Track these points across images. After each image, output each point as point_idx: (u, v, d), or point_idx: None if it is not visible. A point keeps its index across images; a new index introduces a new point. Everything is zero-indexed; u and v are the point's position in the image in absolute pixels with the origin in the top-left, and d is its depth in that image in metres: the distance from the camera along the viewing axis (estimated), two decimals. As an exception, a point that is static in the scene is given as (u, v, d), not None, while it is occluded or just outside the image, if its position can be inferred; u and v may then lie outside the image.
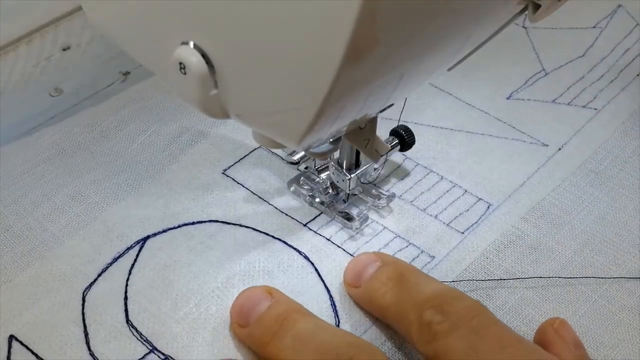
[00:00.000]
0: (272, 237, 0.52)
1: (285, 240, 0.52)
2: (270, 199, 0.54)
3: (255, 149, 0.57)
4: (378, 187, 0.55)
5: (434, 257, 0.52)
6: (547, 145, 0.59)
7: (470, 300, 0.43)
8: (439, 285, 0.45)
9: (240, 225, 0.52)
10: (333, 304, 0.48)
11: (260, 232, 0.52)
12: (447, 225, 0.54)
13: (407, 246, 0.52)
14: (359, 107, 0.42)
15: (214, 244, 0.51)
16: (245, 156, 0.57)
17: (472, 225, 0.54)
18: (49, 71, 0.61)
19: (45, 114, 0.60)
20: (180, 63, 0.40)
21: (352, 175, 0.52)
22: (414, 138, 0.55)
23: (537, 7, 0.42)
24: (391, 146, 0.54)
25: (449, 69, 0.46)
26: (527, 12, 0.43)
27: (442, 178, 0.56)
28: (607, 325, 0.49)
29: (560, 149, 0.59)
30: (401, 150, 0.55)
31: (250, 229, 0.52)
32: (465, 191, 0.56)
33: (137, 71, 0.63)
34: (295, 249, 0.51)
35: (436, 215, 0.54)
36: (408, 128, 0.55)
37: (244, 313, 0.45)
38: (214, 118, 0.43)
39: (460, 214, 0.54)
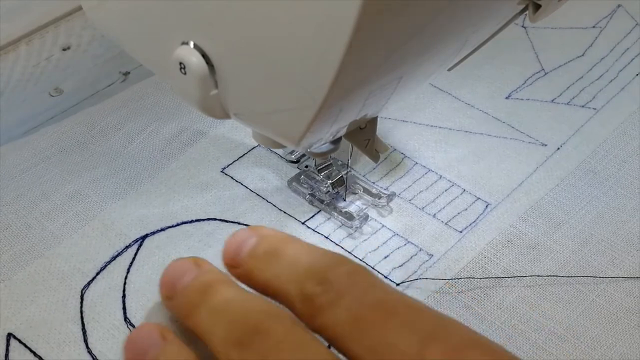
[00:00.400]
0: None
1: None
2: (268, 197, 0.54)
3: (253, 148, 0.58)
4: (378, 186, 0.55)
5: (432, 255, 0.52)
6: (546, 145, 0.59)
7: (350, 264, 0.40)
8: (317, 252, 0.41)
9: (239, 223, 0.53)
10: None
11: None
12: (446, 224, 0.54)
13: (405, 244, 0.52)
14: (359, 108, 0.42)
15: (213, 242, 0.51)
16: (244, 155, 0.57)
17: (470, 225, 0.54)
18: (49, 71, 0.61)
19: (45, 114, 0.61)
20: (181, 63, 0.41)
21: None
22: None
23: (537, 7, 0.42)
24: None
25: (450, 69, 0.46)
26: (527, 12, 0.43)
27: (440, 177, 0.57)
28: (604, 325, 0.49)
29: (559, 149, 0.59)
30: None
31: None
32: (464, 190, 0.56)
33: (137, 71, 0.63)
34: None
35: (434, 214, 0.54)
36: None
37: (170, 284, 0.43)
38: (214, 118, 0.43)
39: (459, 213, 0.54)
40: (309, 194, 0.54)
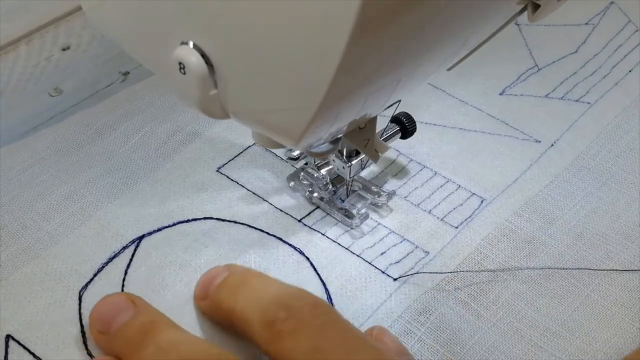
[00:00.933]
0: (267, 233, 0.52)
1: (280, 237, 0.52)
2: (265, 195, 0.55)
3: (248, 147, 0.58)
4: (378, 184, 0.55)
5: (428, 252, 0.52)
6: (540, 142, 0.60)
7: (313, 297, 0.42)
8: (283, 285, 0.44)
9: (235, 222, 0.53)
10: (329, 298, 0.49)
11: (255, 228, 0.52)
12: (441, 220, 0.54)
13: (401, 242, 0.53)
14: (358, 108, 0.42)
15: (209, 241, 0.51)
16: (239, 154, 0.57)
17: (465, 220, 0.54)
18: (48, 71, 0.60)
19: (45, 114, 0.60)
20: (180, 63, 0.40)
21: (353, 162, 0.52)
22: (415, 125, 0.55)
23: (536, 7, 0.42)
24: (392, 132, 0.54)
25: (449, 69, 0.46)
26: (526, 11, 0.43)
27: (435, 174, 0.57)
28: (599, 320, 0.49)
29: (552, 145, 0.59)
30: (402, 137, 0.55)
31: (245, 226, 0.52)
32: (459, 186, 0.56)
33: (137, 71, 0.63)
34: (290, 244, 0.51)
35: (430, 210, 0.55)
36: (410, 115, 0.55)
37: (105, 320, 0.44)
38: (213, 118, 0.43)
39: (454, 208, 0.55)
40: (308, 191, 0.54)
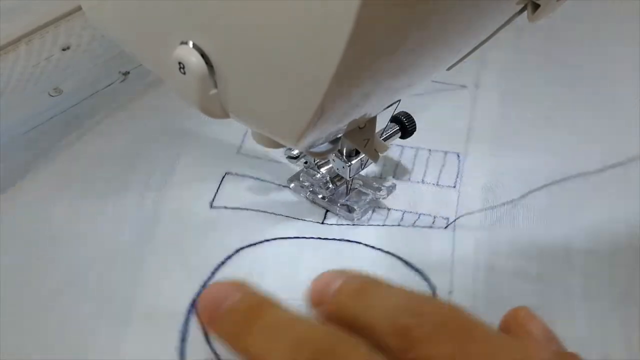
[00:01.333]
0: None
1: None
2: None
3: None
4: (378, 179, 0.55)
5: (447, 218, 0.53)
6: (466, 86, 0.63)
7: (443, 301, 0.42)
8: (411, 292, 0.42)
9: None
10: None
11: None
12: (437, 185, 0.55)
13: (419, 217, 0.53)
14: (358, 108, 0.42)
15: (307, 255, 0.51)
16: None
17: (457, 178, 0.55)
18: (49, 71, 0.61)
19: (45, 114, 0.61)
20: (180, 63, 0.41)
21: (353, 162, 0.52)
22: (415, 125, 0.55)
23: (536, 6, 0.42)
24: (392, 132, 0.54)
25: (448, 69, 0.46)
26: (526, 11, 0.43)
27: (403, 147, 0.58)
28: None
29: (477, 87, 0.65)
30: (402, 137, 0.55)
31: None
32: (430, 150, 0.58)
33: (137, 71, 0.63)
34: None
35: (422, 180, 0.56)
36: (409, 115, 0.55)
37: (212, 306, 0.43)
38: (213, 117, 0.43)
39: (440, 171, 0.56)
40: (309, 190, 0.54)
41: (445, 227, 0.52)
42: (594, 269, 0.49)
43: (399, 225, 0.53)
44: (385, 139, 0.54)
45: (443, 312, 0.39)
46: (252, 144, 0.56)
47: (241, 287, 0.43)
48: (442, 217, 0.53)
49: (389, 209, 0.54)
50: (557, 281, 0.49)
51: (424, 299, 0.41)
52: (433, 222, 0.53)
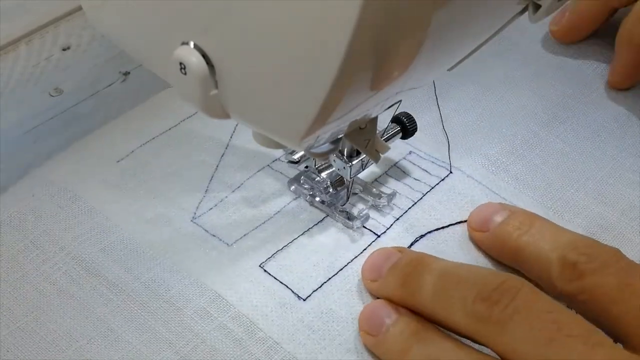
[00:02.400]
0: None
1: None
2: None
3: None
4: (379, 186, 0.55)
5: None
6: None
7: (611, 247, 0.44)
8: (576, 233, 0.47)
9: None
10: None
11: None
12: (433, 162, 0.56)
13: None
14: (359, 108, 0.42)
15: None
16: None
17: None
18: (49, 71, 0.61)
19: (45, 114, 0.60)
20: (181, 63, 0.40)
21: (354, 162, 0.51)
22: (416, 125, 0.55)
23: (537, 7, 0.42)
24: (393, 133, 0.54)
25: (449, 69, 0.46)
26: (527, 12, 0.43)
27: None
28: None
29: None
30: (403, 137, 0.55)
31: None
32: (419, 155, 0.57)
33: (137, 71, 0.63)
34: None
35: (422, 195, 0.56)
36: (410, 115, 0.55)
37: (375, 268, 0.47)
38: (214, 118, 0.43)
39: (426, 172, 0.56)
40: (309, 194, 0.54)
41: None
42: None
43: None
44: (386, 140, 0.53)
45: (609, 254, 0.43)
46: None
47: (401, 251, 0.48)
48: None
49: (404, 211, 0.54)
50: None
51: (590, 240, 0.45)
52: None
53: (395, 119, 0.54)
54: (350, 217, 0.52)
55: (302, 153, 0.54)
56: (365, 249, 0.51)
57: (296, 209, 0.53)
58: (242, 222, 0.53)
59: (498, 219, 0.48)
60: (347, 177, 0.52)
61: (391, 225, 0.52)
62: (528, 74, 0.63)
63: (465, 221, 0.52)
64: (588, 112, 0.61)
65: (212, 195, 0.54)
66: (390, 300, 0.46)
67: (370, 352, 0.45)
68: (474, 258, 0.50)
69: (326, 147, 0.48)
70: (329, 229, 0.52)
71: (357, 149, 0.51)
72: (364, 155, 0.51)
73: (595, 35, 0.66)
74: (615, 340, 0.41)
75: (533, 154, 0.58)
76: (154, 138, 0.57)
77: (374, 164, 0.54)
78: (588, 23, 0.64)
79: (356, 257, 0.50)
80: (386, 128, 0.54)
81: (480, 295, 0.41)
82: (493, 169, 0.56)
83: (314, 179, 0.54)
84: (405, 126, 0.54)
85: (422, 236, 0.52)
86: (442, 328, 0.44)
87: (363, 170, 0.53)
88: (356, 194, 0.54)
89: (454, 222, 0.52)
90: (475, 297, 0.41)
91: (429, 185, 0.55)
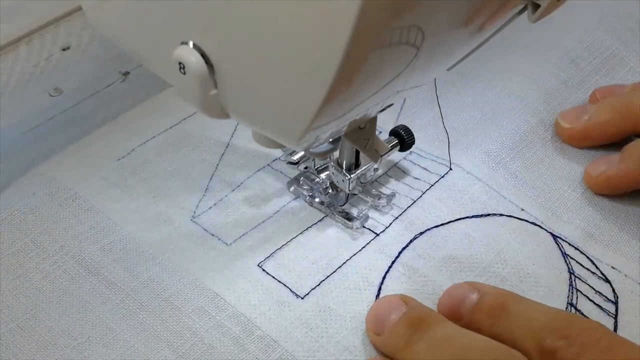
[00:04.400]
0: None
1: None
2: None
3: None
4: (378, 187, 0.55)
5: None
6: None
7: (588, 320, 0.43)
8: (550, 310, 0.44)
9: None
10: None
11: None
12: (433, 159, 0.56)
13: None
14: (359, 107, 0.42)
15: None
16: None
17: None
18: (49, 71, 0.60)
19: (45, 114, 0.60)
20: (180, 63, 0.40)
21: (352, 176, 0.52)
22: (413, 138, 0.55)
23: (536, 6, 0.42)
24: (391, 146, 0.54)
25: (449, 69, 0.46)
26: (526, 11, 0.43)
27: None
28: None
29: None
30: (401, 150, 0.55)
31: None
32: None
33: (137, 71, 0.63)
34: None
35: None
36: (408, 128, 0.55)
37: (378, 321, 0.45)
38: (213, 118, 0.43)
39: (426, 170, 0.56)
40: (308, 195, 0.54)
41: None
42: None
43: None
44: (384, 154, 0.53)
45: (588, 333, 0.41)
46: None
47: (406, 302, 0.46)
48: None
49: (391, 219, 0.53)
50: None
51: (566, 318, 0.43)
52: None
53: (393, 132, 0.55)
54: (349, 217, 0.52)
55: (301, 154, 0.54)
56: (364, 247, 0.51)
57: (295, 209, 0.54)
58: (241, 222, 0.53)
59: (468, 305, 0.46)
60: (346, 190, 0.53)
61: (390, 224, 0.53)
62: (528, 66, 0.63)
63: (466, 217, 0.52)
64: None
65: (212, 195, 0.54)
66: (391, 358, 0.45)
67: (370, 351, 0.45)
68: (472, 255, 0.50)
69: (325, 146, 0.48)
70: (327, 228, 0.52)
71: (356, 161, 0.51)
72: (364, 168, 0.52)
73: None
74: None
75: (531, 151, 0.58)
76: (154, 137, 0.57)
77: (372, 178, 0.55)
78: (605, 138, 0.57)
79: (354, 255, 0.50)
80: (384, 141, 0.54)
81: None
82: (493, 165, 0.56)
83: (314, 179, 0.54)
84: (403, 139, 0.55)
85: (421, 233, 0.52)
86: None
87: (363, 184, 0.53)
88: (355, 194, 0.54)
89: (452, 220, 0.52)
90: None
91: (429, 183, 0.55)
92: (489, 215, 0.53)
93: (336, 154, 0.51)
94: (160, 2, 0.41)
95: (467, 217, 0.53)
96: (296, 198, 0.54)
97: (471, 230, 0.52)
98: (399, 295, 0.47)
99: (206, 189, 0.55)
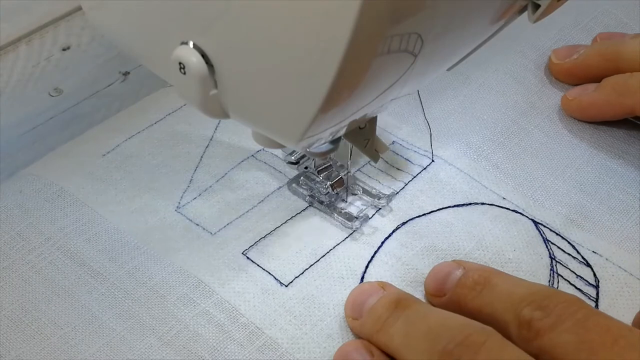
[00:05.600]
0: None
1: None
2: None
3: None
4: (370, 182, 0.55)
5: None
6: None
7: (567, 294, 0.43)
8: (531, 284, 0.45)
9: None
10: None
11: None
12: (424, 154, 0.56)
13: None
14: (359, 108, 0.42)
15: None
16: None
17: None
18: (49, 71, 0.61)
19: (45, 114, 0.61)
20: (180, 63, 0.40)
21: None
22: None
23: (536, 6, 0.42)
24: None
25: (449, 69, 0.46)
26: (526, 11, 0.43)
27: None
28: None
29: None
30: None
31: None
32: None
33: (137, 71, 0.63)
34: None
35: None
36: None
37: (356, 306, 0.46)
38: (213, 118, 0.43)
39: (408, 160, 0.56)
40: (308, 195, 0.54)
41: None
42: None
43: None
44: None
45: (566, 305, 0.41)
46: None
47: (383, 288, 0.47)
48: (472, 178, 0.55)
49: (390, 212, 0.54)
50: None
51: (546, 291, 0.43)
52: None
53: None
54: (349, 217, 0.52)
55: (301, 154, 0.54)
56: (347, 237, 0.52)
57: (279, 198, 0.54)
58: (225, 211, 0.53)
59: (452, 280, 0.47)
60: (347, 168, 0.53)
61: (373, 215, 0.53)
62: (506, 64, 0.64)
63: (448, 207, 0.53)
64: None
65: (196, 185, 0.55)
66: (369, 342, 0.45)
67: (352, 338, 0.46)
68: (454, 242, 0.51)
69: (325, 146, 0.48)
70: (311, 217, 0.53)
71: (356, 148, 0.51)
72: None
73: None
74: None
75: (513, 142, 0.58)
76: (138, 132, 0.58)
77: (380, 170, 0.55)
78: (587, 79, 0.60)
79: (338, 244, 0.51)
80: None
81: (444, 350, 0.41)
82: (475, 156, 0.57)
83: (313, 179, 0.54)
84: None
85: (403, 223, 0.52)
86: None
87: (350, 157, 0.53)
88: (355, 194, 0.54)
89: (434, 210, 0.53)
90: (440, 350, 0.41)
91: (411, 175, 0.56)
92: (470, 204, 0.54)
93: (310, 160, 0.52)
94: (160, 2, 0.41)
95: (449, 207, 0.54)
96: (280, 188, 0.55)
97: (453, 219, 0.52)
98: (376, 282, 0.48)
99: (190, 180, 0.55)
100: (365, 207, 0.53)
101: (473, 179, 0.55)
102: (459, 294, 0.46)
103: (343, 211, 0.53)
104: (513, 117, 0.60)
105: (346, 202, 0.54)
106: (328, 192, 0.53)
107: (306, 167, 0.55)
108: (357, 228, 0.52)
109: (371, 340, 0.45)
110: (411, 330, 0.43)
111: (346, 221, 0.52)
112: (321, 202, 0.53)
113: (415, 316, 0.44)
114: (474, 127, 0.59)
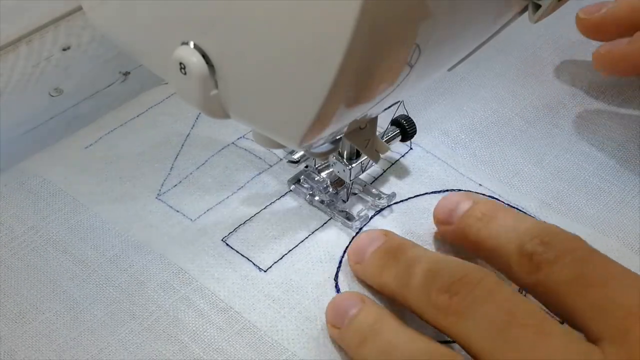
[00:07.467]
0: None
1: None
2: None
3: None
4: (378, 187, 0.55)
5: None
6: None
7: (570, 233, 0.44)
8: (539, 222, 0.46)
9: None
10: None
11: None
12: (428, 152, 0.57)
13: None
14: (360, 108, 0.42)
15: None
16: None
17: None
18: (49, 71, 0.61)
19: (45, 114, 0.61)
20: (181, 63, 0.40)
21: (354, 165, 0.52)
22: (415, 128, 0.55)
23: (537, 7, 0.42)
24: (392, 135, 0.55)
25: (449, 70, 0.46)
26: (527, 12, 0.43)
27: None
28: None
29: None
30: (402, 140, 0.55)
31: None
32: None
33: (137, 71, 0.63)
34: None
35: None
36: (409, 118, 0.55)
37: (359, 251, 0.48)
38: (214, 118, 0.43)
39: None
40: (308, 194, 0.54)
41: None
42: None
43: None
44: (386, 142, 0.54)
45: (568, 243, 0.43)
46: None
47: (385, 234, 0.48)
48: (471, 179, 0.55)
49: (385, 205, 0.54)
50: None
51: (550, 228, 0.44)
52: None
53: (395, 122, 0.55)
54: (349, 217, 0.52)
55: (302, 153, 0.54)
56: (325, 223, 0.52)
57: (259, 184, 0.55)
58: (205, 198, 0.54)
59: (461, 210, 0.48)
60: (347, 180, 0.53)
61: (374, 215, 0.54)
62: (488, 61, 0.64)
63: (425, 194, 0.54)
64: (545, 89, 0.62)
65: (177, 173, 0.55)
66: (371, 286, 0.47)
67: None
68: (431, 228, 0.52)
69: (326, 147, 0.48)
70: (290, 203, 0.54)
71: (357, 149, 0.51)
72: (364, 158, 0.52)
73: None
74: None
75: (492, 131, 0.59)
76: (121, 125, 0.58)
77: (374, 165, 0.55)
78: (617, 33, 0.59)
79: (317, 229, 0.52)
80: (385, 130, 0.54)
81: (442, 287, 0.42)
82: (452, 145, 0.57)
83: (314, 178, 0.54)
84: (405, 129, 0.55)
85: (382, 209, 0.53)
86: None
87: (363, 172, 0.53)
88: (356, 194, 0.54)
89: (412, 196, 0.54)
90: (438, 288, 0.42)
91: (389, 162, 0.56)
92: (447, 191, 0.54)
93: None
94: (161, 2, 0.41)
95: (426, 193, 0.54)
96: (260, 174, 0.55)
97: (430, 206, 0.52)
98: (380, 230, 0.49)
99: (171, 167, 0.55)
100: (365, 207, 0.53)
101: (450, 166, 0.56)
102: (465, 224, 0.47)
103: (343, 211, 0.53)
104: (494, 107, 0.60)
105: (347, 201, 0.54)
106: (328, 191, 0.53)
107: (307, 166, 0.55)
108: (357, 228, 0.52)
109: (371, 285, 0.47)
110: (411, 271, 0.44)
111: (346, 221, 0.52)
112: (321, 201, 0.53)
113: (414, 259, 0.45)
114: (453, 116, 0.59)
